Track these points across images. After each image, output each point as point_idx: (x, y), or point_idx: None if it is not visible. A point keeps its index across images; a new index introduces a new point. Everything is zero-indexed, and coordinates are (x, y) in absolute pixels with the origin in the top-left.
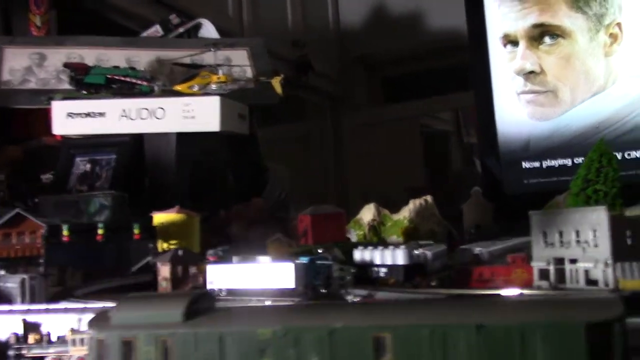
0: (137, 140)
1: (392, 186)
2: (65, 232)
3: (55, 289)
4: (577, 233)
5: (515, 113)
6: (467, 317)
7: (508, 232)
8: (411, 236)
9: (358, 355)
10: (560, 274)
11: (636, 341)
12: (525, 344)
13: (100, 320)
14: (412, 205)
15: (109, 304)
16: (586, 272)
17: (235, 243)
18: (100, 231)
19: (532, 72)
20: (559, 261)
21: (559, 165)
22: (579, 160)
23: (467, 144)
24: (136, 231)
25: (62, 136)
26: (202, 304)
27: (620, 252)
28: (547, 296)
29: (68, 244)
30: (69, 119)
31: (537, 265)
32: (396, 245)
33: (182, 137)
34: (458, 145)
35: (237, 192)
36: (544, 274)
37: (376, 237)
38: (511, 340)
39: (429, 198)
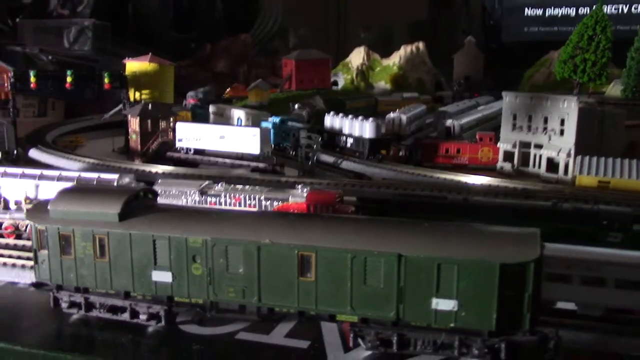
0: None
1: (394, 17)
2: (32, 79)
3: (34, 120)
4: (546, 120)
5: None
6: (389, 245)
7: (499, 83)
8: (399, 83)
9: (283, 270)
10: (525, 157)
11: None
12: (442, 277)
13: (39, 211)
14: (403, 51)
15: (64, 173)
16: (549, 159)
17: (219, 80)
18: (69, 79)
19: None
20: (525, 145)
21: (562, 14)
22: (584, 10)
23: None
24: (107, 80)
25: None
26: (140, 201)
27: (586, 144)
28: (472, 228)
29: (36, 90)
30: None
31: (503, 146)
32: (366, 114)
33: None
34: None
35: (226, 23)
36: (508, 156)
37: (363, 82)
38: (429, 271)
39: (420, 45)
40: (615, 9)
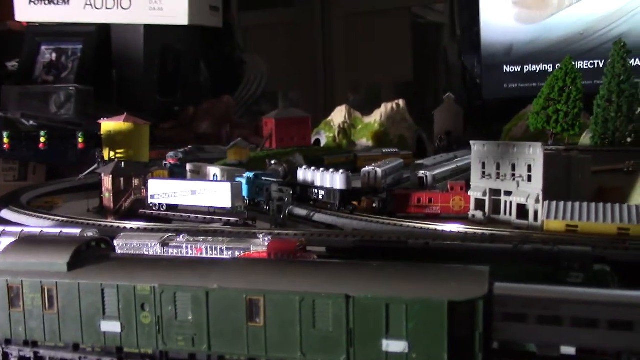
0: (104, 31)
1: (380, 79)
2: (5, 140)
3: (14, 184)
4: (514, 167)
5: (500, 15)
6: (337, 287)
7: (480, 137)
8: (381, 140)
9: (232, 315)
10: (496, 205)
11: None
12: (391, 317)
13: None
14: (384, 108)
15: (27, 229)
16: (519, 205)
17: (203, 141)
18: (42, 139)
19: None
20: (495, 192)
21: (540, 70)
22: (560, 66)
23: (459, 37)
24: (80, 140)
25: (27, 22)
26: (92, 251)
27: (555, 190)
28: (418, 267)
29: (9, 151)
30: (31, 5)
31: (474, 194)
32: (339, 168)
33: (150, 29)
34: (452, 38)
35: (210, 86)
36: (480, 204)
37: (346, 140)
38: (378, 312)
39: (401, 102)
40: (591, 64)
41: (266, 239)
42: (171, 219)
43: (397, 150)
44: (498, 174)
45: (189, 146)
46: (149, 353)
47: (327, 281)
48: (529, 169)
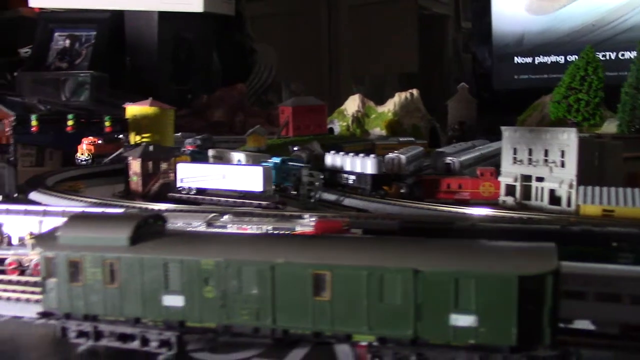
0: (118, 17)
1: (385, 70)
2: (34, 122)
3: (32, 169)
4: (546, 152)
5: (512, 5)
6: (405, 261)
7: (492, 129)
8: (394, 130)
9: (298, 290)
10: (526, 190)
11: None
12: (460, 291)
13: (48, 238)
14: (397, 98)
15: (72, 207)
16: (551, 191)
17: (216, 128)
18: (70, 122)
19: None
20: (526, 178)
21: (551, 62)
22: (572, 58)
23: (465, 29)
24: (107, 124)
25: (40, 8)
26: (150, 227)
27: (586, 175)
28: (486, 243)
29: (37, 133)
30: None
31: (504, 180)
32: (366, 153)
33: (164, 16)
34: (456, 30)
35: (222, 75)
36: (510, 190)
37: (359, 129)
38: (447, 286)
39: (414, 92)
40: (602, 55)
41: (312, 219)
42: (200, 202)
43: (413, 139)
44: (530, 159)
45: (204, 134)
46: (211, 327)
47: (395, 256)
48: (562, 154)
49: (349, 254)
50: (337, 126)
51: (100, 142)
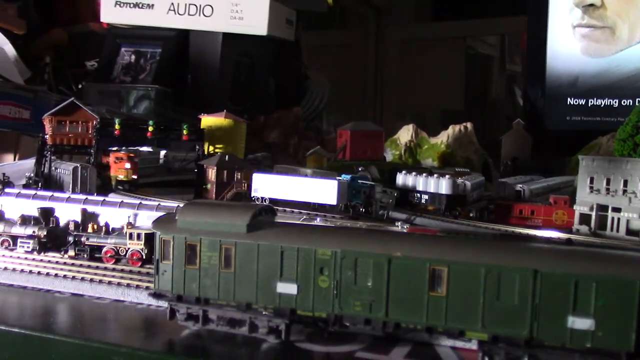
0: (183, 36)
1: (429, 106)
2: (117, 126)
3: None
4: (625, 182)
5: (567, 46)
6: (524, 261)
7: (544, 167)
8: (447, 161)
9: (413, 284)
10: (602, 220)
11: None
12: (579, 294)
13: (166, 222)
14: (451, 130)
15: (164, 203)
16: (627, 222)
17: (271, 150)
18: (150, 128)
19: (591, 4)
20: (602, 208)
21: (605, 105)
22: (627, 102)
23: (509, 71)
24: (185, 132)
25: (109, 24)
26: (264, 216)
27: None
28: (605, 249)
29: (118, 137)
30: (117, 7)
31: (579, 209)
32: (440, 174)
33: (227, 37)
34: (500, 72)
35: (277, 98)
36: (584, 219)
37: (411, 159)
38: (566, 288)
39: (468, 125)
40: None
41: (405, 226)
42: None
43: (469, 171)
44: (608, 189)
45: (263, 152)
46: (322, 317)
47: (514, 256)
48: None
49: (468, 251)
50: (390, 154)
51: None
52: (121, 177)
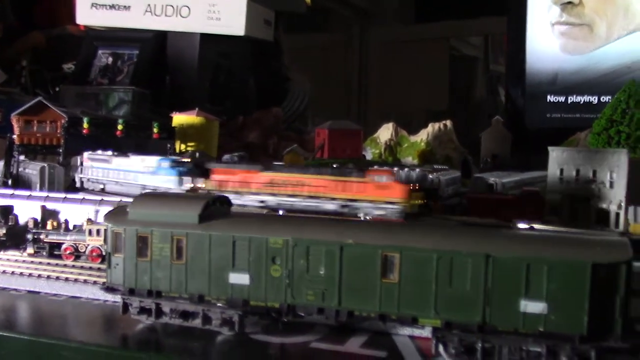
0: (161, 37)
1: (414, 107)
2: (85, 125)
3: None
4: (595, 173)
5: (546, 44)
6: (476, 246)
7: (524, 164)
8: (427, 159)
9: (366, 272)
10: (572, 211)
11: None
12: (531, 278)
13: (117, 214)
14: (431, 128)
15: (125, 199)
16: (598, 211)
17: (250, 150)
18: (119, 127)
19: (570, 2)
20: (572, 198)
21: (584, 102)
22: (605, 98)
23: (493, 71)
24: (155, 130)
25: (86, 26)
26: (217, 208)
27: (635, 196)
28: (558, 232)
29: (87, 136)
30: (93, 9)
31: (549, 199)
32: (411, 167)
33: (205, 38)
34: (484, 72)
35: (257, 98)
36: (554, 209)
37: (391, 157)
38: (518, 272)
39: (448, 123)
40: None
41: (367, 217)
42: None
43: (447, 167)
44: (577, 179)
45: (241, 152)
46: (275, 306)
47: (467, 241)
48: (611, 175)
49: (420, 236)
50: (369, 153)
51: None
52: None
